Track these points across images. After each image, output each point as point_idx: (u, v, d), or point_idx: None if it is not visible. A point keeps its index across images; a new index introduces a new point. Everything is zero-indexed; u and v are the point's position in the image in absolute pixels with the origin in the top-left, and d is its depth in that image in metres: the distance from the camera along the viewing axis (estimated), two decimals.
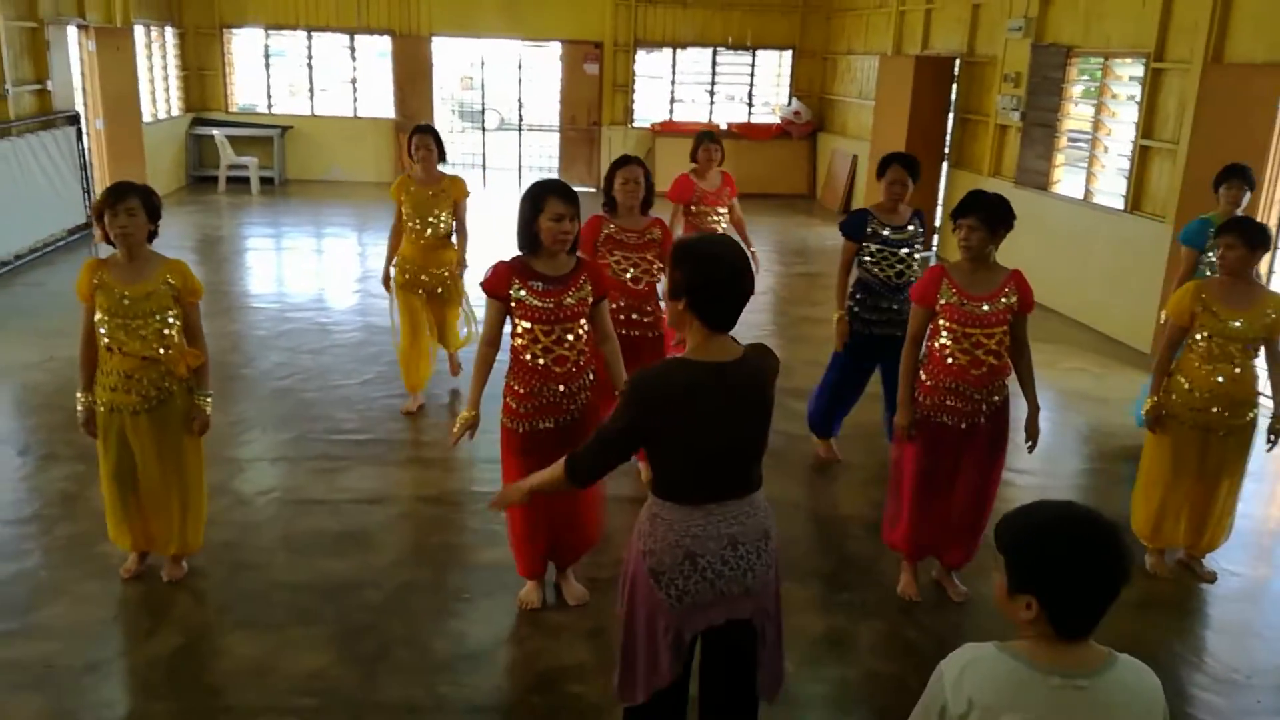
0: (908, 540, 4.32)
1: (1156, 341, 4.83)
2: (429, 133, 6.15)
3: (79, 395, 4.02)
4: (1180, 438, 4.47)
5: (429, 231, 6.09)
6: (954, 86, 11.99)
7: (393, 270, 6.23)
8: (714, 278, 2.61)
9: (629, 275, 5.06)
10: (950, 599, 4.30)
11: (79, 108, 11.57)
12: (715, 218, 6.55)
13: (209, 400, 4.17)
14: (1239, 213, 5.41)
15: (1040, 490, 5.67)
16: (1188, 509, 4.56)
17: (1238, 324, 4.28)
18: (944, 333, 4.09)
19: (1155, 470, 4.61)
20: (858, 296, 5.44)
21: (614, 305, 5.07)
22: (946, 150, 12.11)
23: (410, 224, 6.09)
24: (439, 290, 6.23)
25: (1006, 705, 1.84)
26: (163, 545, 4.25)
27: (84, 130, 11.48)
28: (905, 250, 5.31)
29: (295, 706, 3.53)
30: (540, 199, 3.71)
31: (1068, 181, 9.81)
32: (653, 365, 2.73)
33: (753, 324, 8.66)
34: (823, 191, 15.81)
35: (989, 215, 3.97)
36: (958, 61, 11.88)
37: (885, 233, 5.30)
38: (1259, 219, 6.69)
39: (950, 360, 4.08)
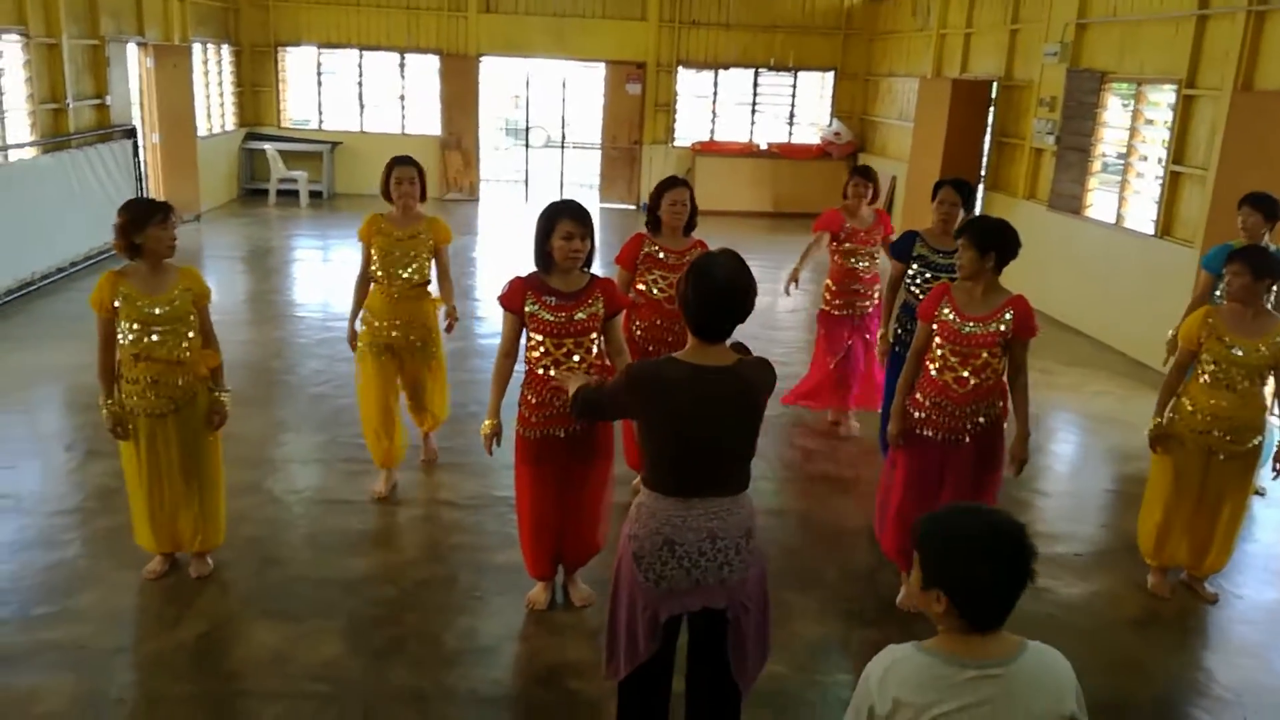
0: (896, 550, 4.42)
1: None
2: (413, 164, 5.22)
3: (104, 402, 4.19)
4: (1182, 459, 4.52)
5: (402, 281, 5.15)
6: (991, 109, 12.05)
7: (359, 326, 5.29)
8: (701, 291, 2.84)
9: (665, 295, 5.16)
10: None
11: (136, 122, 12.02)
12: (864, 258, 6.32)
13: (228, 395, 4.40)
14: (1267, 241, 5.43)
15: (1064, 511, 5.74)
16: (1190, 530, 4.61)
17: (1239, 351, 4.33)
18: (936, 349, 4.20)
19: (1158, 490, 4.66)
20: (901, 318, 5.49)
21: (650, 324, 5.22)
22: (983, 173, 12.16)
23: (381, 272, 5.14)
24: (417, 345, 5.27)
25: (928, 700, 1.97)
26: (189, 542, 4.45)
27: (140, 143, 11.92)
28: (949, 277, 5.13)
29: (309, 692, 3.73)
30: (553, 219, 3.88)
31: (1100, 205, 9.82)
32: (651, 359, 2.97)
33: (782, 340, 8.79)
34: None
35: (979, 237, 4.05)
36: (995, 85, 11.94)
37: (932, 256, 5.32)
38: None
39: (937, 376, 4.19)
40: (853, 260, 6.32)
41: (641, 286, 5.23)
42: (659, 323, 5.22)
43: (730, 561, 2.91)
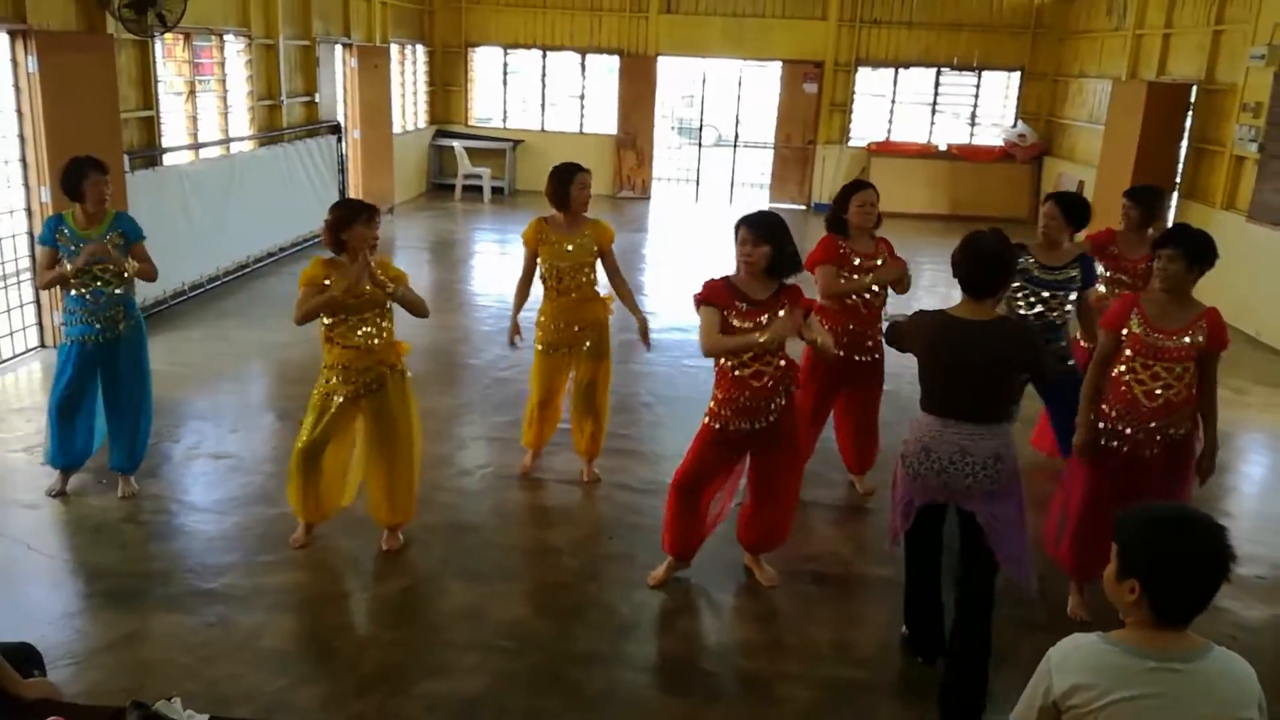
0: (1072, 560, 4.40)
1: None
2: (586, 171, 5.26)
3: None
4: None
5: (574, 288, 5.25)
6: (1189, 114, 11.51)
7: (520, 327, 5.49)
8: (969, 255, 3.62)
9: (860, 300, 5.18)
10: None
11: (340, 118, 12.86)
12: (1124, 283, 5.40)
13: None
14: None
15: (1249, 533, 5.52)
16: None
17: None
18: (1124, 361, 4.14)
19: None
20: None
21: (837, 329, 5.16)
22: (1179, 180, 11.63)
23: (551, 280, 5.25)
24: (588, 344, 5.37)
25: (1107, 686, 2.03)
26: (385, 517, 4.75)
27: (343, 138, 12.75)
28: (1049, 293, 5.12)
29: (499, 646, 4.05)
30: (735, 229, 4.13)
31: None
32: (929, 310, 3.76)
33: None
34: None
35: (1189, 248, 3.98)
36: (1194, 88, 11.40)
37: (1037, 272, 5.14)
38: None
39: (1125, 389, 4.13)
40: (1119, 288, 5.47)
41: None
42: (851, 327, 5.20)
43: (975, 474, 3.59)
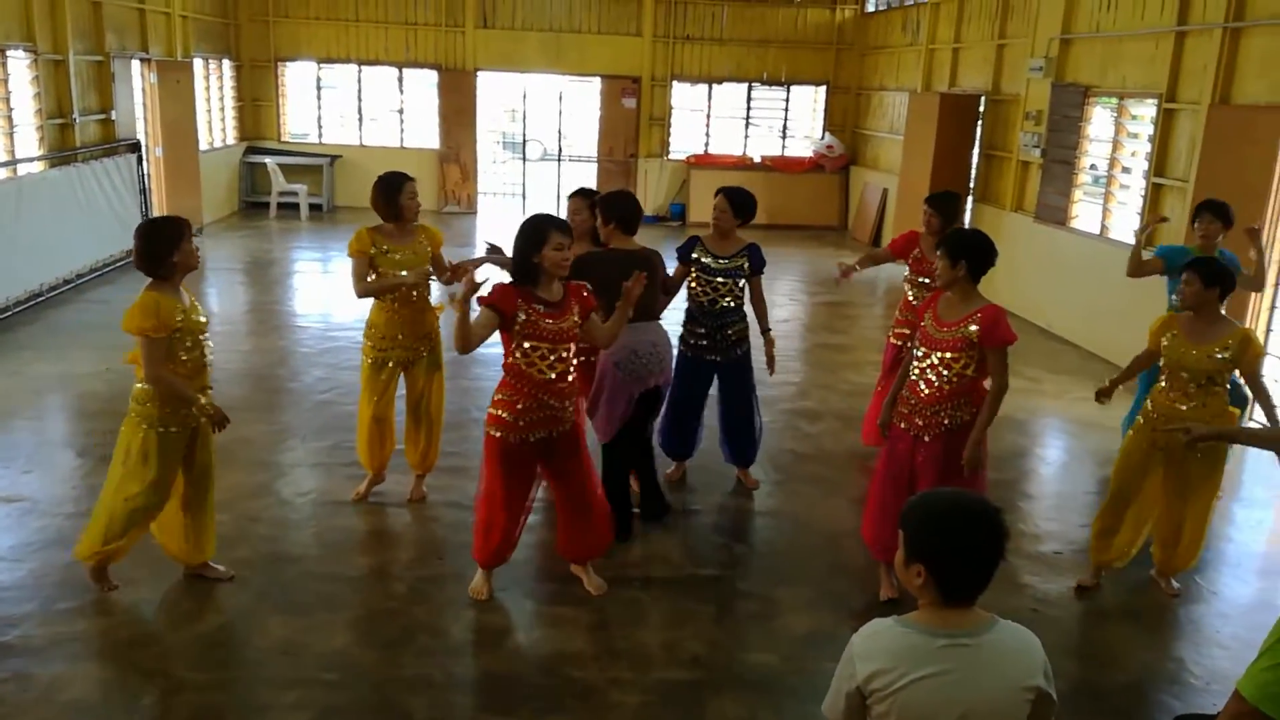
0: (869, 535, 4.66)
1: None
2: (413, 180, 5.22)
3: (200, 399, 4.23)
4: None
5: (411, 297, 5.18)
6: (979, 123, 12.30)
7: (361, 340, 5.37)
8: (631, 211, 5.04)
9: None
10: None
11: (140, 136, 12.22)
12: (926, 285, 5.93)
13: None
14: (1220, 249, 5.67)
15: (1047, 512, 5.93)
16: (1160, 527, 4.82)
17: (1192, 355, 4.49)
18: (917, 349, 4.43)
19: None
20: (685, 319, 5.67)
21: None
22: (972, 185, 12.40)
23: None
24: (424, 355, 5.31)
25: (905, 668, 2.14)
26: (188, 556, 4.55)
27: (144, 157, 12.11)
28: (721, 279, 5.45)
29: (322, 680, 3.91)
30: (544, 231, 4.12)
31: (1085, 217, 10.06)
32: (597, 250, 4.99)
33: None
34: (854, 223, 16.13)
35: (951, 247, 4.26)
36: (983, 99, 12.20)
37: (706, 260, 5.48)
38: (1265, 255, 6.90)
39: (914, 377, 4.43)
40: (918, 288, 6.08)
41: None
42: None
43: (662, 358, 5.02)
